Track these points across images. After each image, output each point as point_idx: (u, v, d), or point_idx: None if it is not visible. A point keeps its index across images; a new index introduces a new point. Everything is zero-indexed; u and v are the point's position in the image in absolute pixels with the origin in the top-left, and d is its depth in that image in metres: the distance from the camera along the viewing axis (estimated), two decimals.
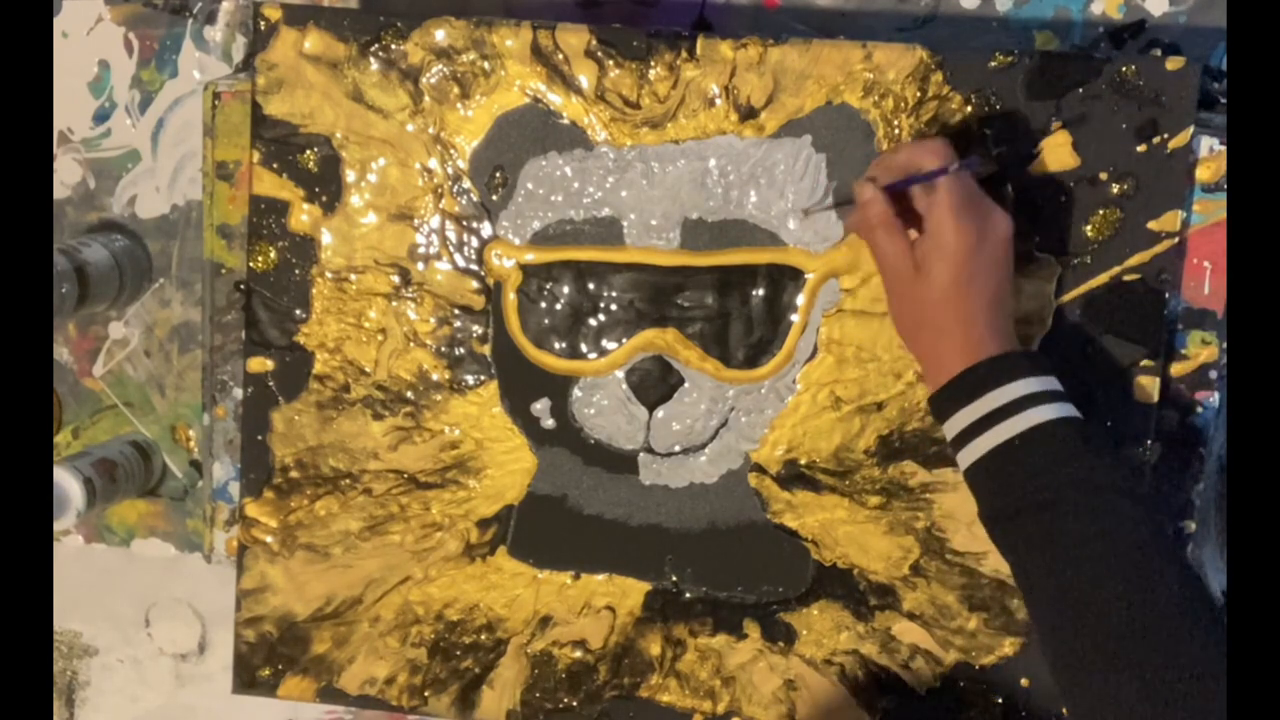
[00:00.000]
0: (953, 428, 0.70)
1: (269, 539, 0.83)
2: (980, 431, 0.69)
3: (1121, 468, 0.68)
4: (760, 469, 0.81)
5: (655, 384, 0.80)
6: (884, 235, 0.71)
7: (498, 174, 0.79)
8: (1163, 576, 0.63)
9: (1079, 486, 0.66)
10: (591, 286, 0.80)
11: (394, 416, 0.82)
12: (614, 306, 0.80)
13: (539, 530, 0.82)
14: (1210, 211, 0.78)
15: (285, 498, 0.83)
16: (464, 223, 0.80)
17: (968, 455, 0.69)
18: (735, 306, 0.79)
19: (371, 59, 0.79)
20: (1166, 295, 0.77)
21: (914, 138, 0.76)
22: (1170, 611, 0.62)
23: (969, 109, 0.76)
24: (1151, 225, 0.76)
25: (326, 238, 0.81)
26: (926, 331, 0.71)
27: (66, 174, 0.91)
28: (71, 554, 0.97)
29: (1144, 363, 0.78)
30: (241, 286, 0.84)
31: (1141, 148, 0.76)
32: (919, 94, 0.76)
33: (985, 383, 0.69)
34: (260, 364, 0.82)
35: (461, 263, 0.81)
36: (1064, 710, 0.80)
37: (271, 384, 0.82)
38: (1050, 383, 0.69)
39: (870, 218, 0.72)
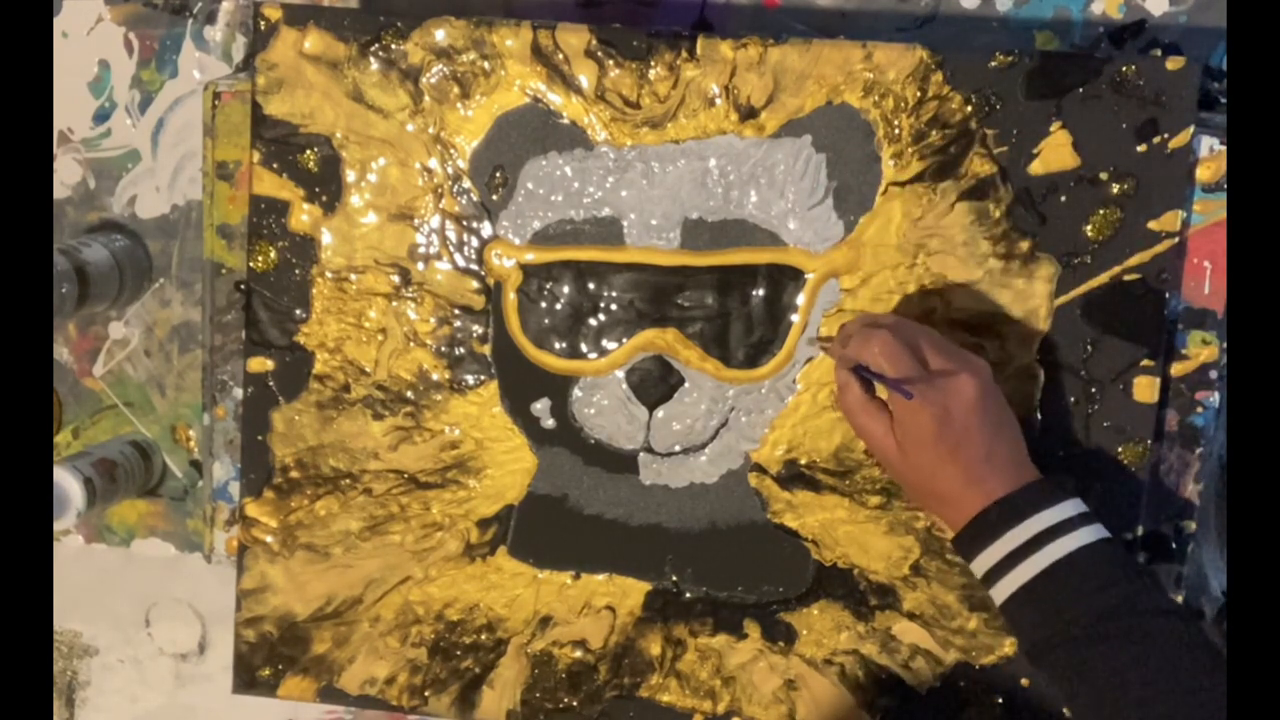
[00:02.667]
0: (979, 567, 0.70)
1: (269, 539, 0.83)
2: (1007, 570, 0.69)
3: (1150, 584, 0.68)
4: (760, 469, 0.81)
5: (655, 384, 0.80)
6: (862, 419, 0.73)
7: (498, 174, 0.79)
8: (1215, 691, 0.63)
9: (1114, 615, 0.66)
10: (591, 286, 0.80)
11: (394, 416, 0.82)
12: (614, 306, 0.80)
13: (539, 530, 0.82)
14: (1210, 211, 0.78)
15: (285, 498, 0.83)
16: (464, 223, 0.80)
17: (999, 593, 0.70)
18: (735, 306, 0.79)
19: (371, 59, 0.79)
20: (1166, 295, 0.77)
21: (863, 322, 0.74)
22: None
23: (969, 109, 0.76)
24: (1151, 225, 0.76)
25: (326, 238, 0.81)
26: (930, 499, 0.73)
27: (66, 174, 0.91)
28: (71, 554, 0.97)
29: (1144, 363, 0.78)
30: (241, 286, 0.84)
31: (1141, 148, 0.76)
32: (919, 94, 0.76)
33: (1001, 524, 0.69)
34: (260, 364, 0.82)
35: (461, 263, 0.81)
36: (1064, 710, 0.80)
37: (271, 384, 0.82)
38: (1069, 508, 0.69)
39: (846, 403, 0.73)
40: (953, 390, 0.69)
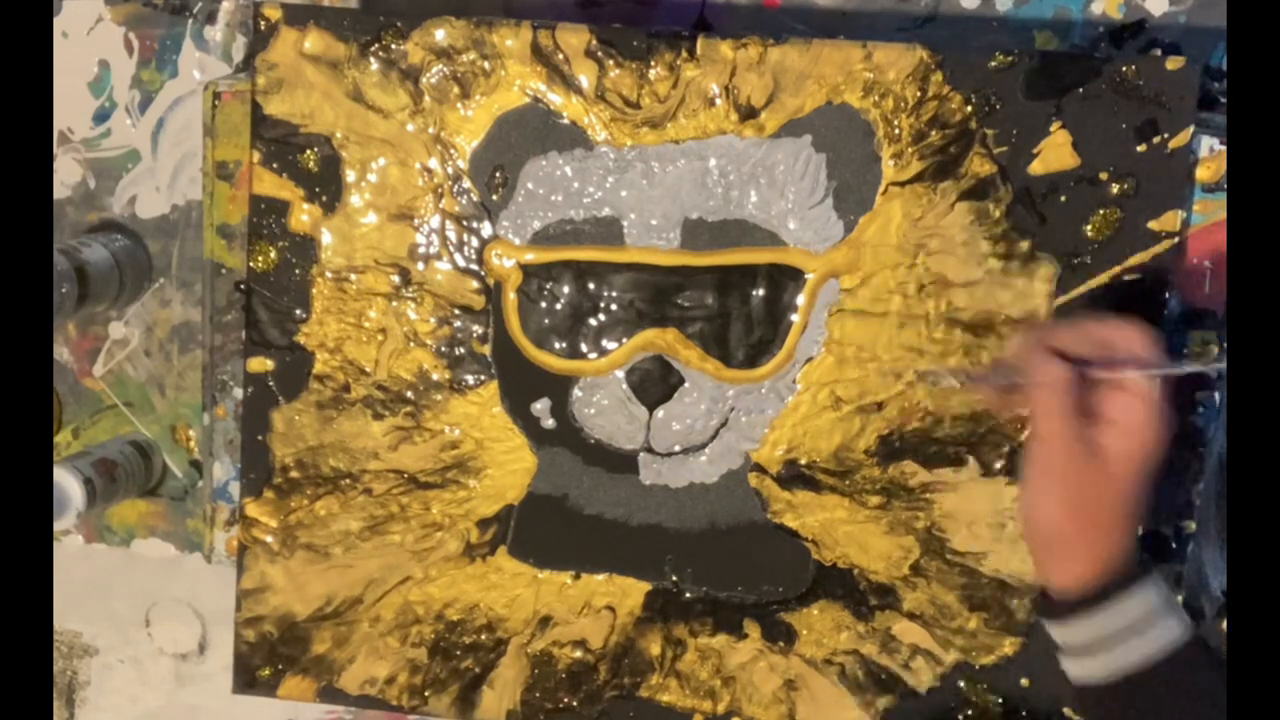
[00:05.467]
0: (1070, 634, 0.66)
1: (269, 539, 0.83)
2: (1105, 649, 0.64)
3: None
4: (760, 469, 0.81)
5: (655, 384, 0.80)
6: (1067, 412, 0.65)
7: (498, 174, 0.79)
8: None
9: (1202, 706, 0.63)
10: (591, 286, 0.80)
11: (394, 416, 0.82)
12: (614, 306, 0.80)
13: (539, 530, 0.82)
14: (1210, 211, 0.78)
15: (285, 498, 0.83)
16: (464, 223, 0.80)
17: (1083, 668, 0.66)
18: (735, 306, 0.79)
19: (371, 59, 0.79)
20: (1166, 295, 0.77)
21: (1109, 320, 0.69)
22: None
23: (969, 109, 0.76)
24: (1151, 225, 0.76)
25: (326, 238, 0.81)
26: (1079, 519, 0.65)
27: (66, 174, 0.91)
28: (71, 554, 0.97)
29: None
30: (241, 286, 0.84)
31: (1141, 148, 0.76)
32: (919, 94, 0.76)
33: (1113, 592, 0.65)
34: (260, 364, 0.82)
35: (461, 263, 0.81)
36: (1064, 710, 0.80)
37: (271, 384, 0.82)
38: (1166, 589, 0.66)
39: (1055, 391, 0.65)
40: (1168, 421, 0.65)
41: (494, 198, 0.80)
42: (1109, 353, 0.66)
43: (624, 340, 0.80)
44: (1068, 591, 0.66)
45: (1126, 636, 0.64)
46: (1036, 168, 0.76)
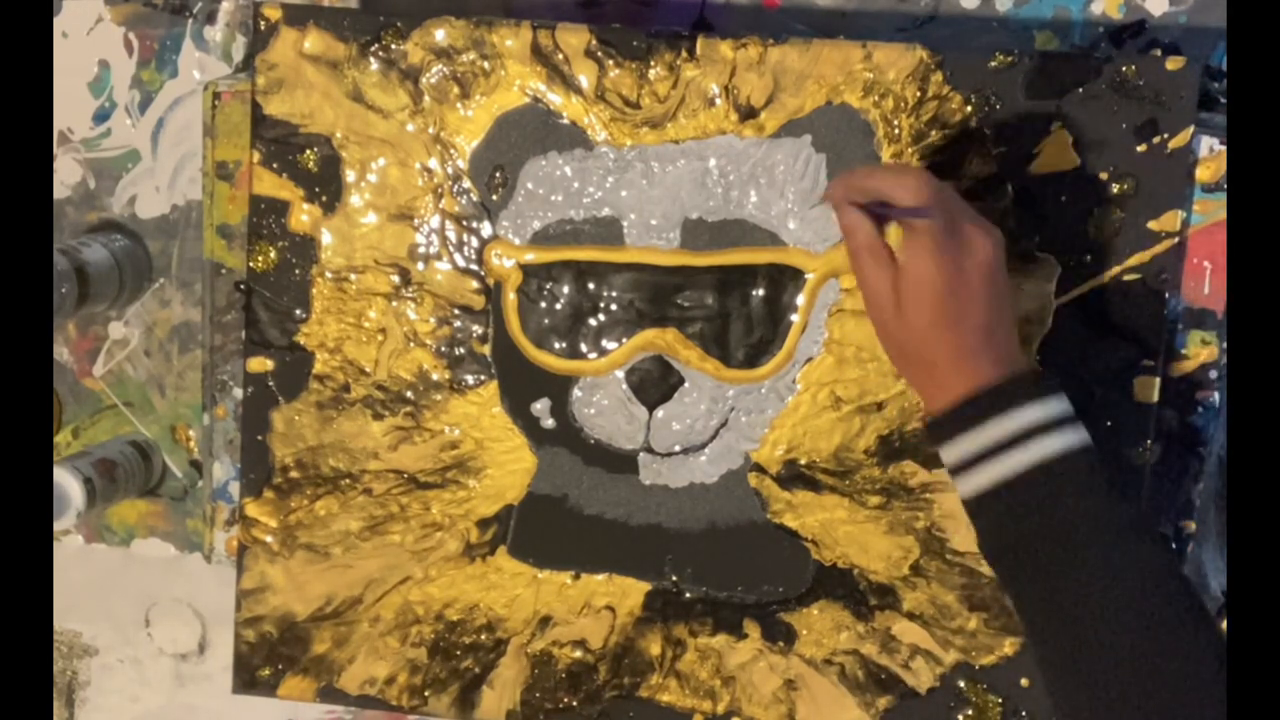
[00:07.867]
0: (951, 454, 0.67)
1: (269, 539, 0.83)
2: (982, 462, 0.65)
3: (1135, 504, 0.65)
4: (760, 469, 0.81)
5: (655, 384, 0.80)
6: (869, 265, 0.67)
7: (498, 174, 0.79)
8: (1179, 633, 0.61)
9: (1095, 525, 0.63)
10: (591, 286, 0.80)
11: (394, 416, 0.82)
12: (614, 306, 0.80)
13: (539, 530, 0.82)
14: (1210, 211, 0.78)
15: (285, 498, 0.83)
16: (464, 223, 0.80)
17: (969, 484, 0.66)
18: (735, 306, 0.79)
19: (371, 59, 0.79)
20: (1166, 295, 0.77)
21: (892, 160, 0.73)
22: (1180, 680, 0.60)
23: (969, 109, 0.76)
24: (1151, 225, 0.76)
25: (326, 238, 0.81)
26: (915, 366, 0.68)
27: (66, 174, 0.91)
28: (71, 554, 0.97)
29: (1144, 363, 0.78)
30: (241, 286, 0.84)
31: (1141, 148, 0.76)
32: (919, 94, 0.76)
33: (986, 412, 0.65)
34: (260, 364, 0.82)
35: (461, 263, 0.81)
36: None
37: (271, 384, 0.82)
38: (1057, 406, 0.66)
39: (855, 245, 0.68)
40: (971, 247, 0.65)
41: (494, 198, 0.80)
42: (885, 199, 0.67)
43: (624, 340, 0.80)
44: (936, 422, 0.67)
45: (1006, 449, 0.65)
46: (1036, 168, 0.76)
